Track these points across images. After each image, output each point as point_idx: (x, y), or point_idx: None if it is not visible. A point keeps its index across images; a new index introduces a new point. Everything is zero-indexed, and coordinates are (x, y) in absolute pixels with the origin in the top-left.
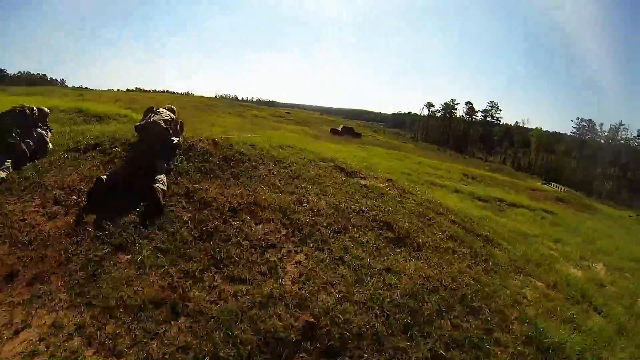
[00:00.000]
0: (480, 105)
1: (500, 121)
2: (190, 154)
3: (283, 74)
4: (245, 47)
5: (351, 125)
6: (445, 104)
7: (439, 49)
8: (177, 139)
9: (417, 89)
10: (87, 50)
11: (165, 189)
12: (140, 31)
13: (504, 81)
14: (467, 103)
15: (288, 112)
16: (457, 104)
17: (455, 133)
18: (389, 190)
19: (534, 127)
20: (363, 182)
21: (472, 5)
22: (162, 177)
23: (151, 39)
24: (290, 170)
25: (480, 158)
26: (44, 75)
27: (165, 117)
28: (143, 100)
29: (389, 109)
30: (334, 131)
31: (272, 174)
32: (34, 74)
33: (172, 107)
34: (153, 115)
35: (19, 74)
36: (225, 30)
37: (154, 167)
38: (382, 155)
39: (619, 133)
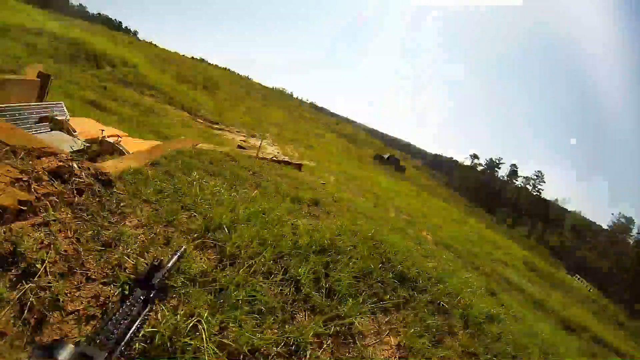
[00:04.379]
0: (525, 171)
1: (540, 193)
2: None
3: (339, 85)
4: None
5: (396, 154)
6: (490, 159)
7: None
8: None
9: (464, 137)
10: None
11: None
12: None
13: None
14: (512, 165)
15: (337, 124)
16: (502, 163)
17: (490, 191)
18: None
19: (572, 210)
20: None
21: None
22: None
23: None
24: None
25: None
26: (120, 22)
27: None
28: (186, 71)
29: (431, 147)
30: (379, 158)
31: None
32: (111, 18)
33: None
34: None
35: (98, 15)
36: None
37: None
38: (439, 211)
39: None
